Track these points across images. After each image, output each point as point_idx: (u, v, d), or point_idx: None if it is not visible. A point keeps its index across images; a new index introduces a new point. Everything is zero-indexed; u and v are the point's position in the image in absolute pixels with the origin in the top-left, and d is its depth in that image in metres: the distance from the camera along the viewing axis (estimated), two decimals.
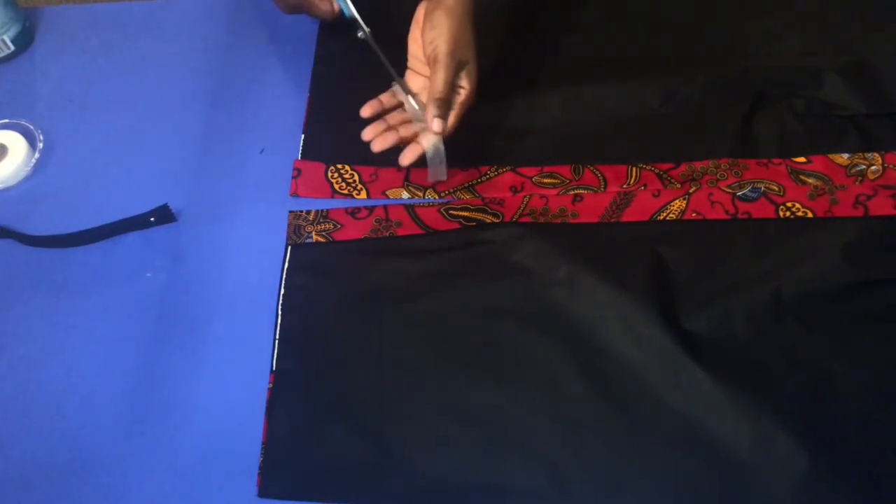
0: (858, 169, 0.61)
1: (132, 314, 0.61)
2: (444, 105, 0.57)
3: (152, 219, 0.63)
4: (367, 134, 0.60)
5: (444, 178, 0.61)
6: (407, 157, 0.59)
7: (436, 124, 0.57)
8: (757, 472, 0.50)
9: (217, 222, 0.65)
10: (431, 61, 0.57)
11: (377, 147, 0.60)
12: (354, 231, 0.63)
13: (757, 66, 0.67)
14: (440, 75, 0.56)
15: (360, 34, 0.59)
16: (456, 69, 0.57)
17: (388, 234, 0.63)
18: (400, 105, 0.63)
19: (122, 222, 0.63)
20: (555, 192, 0.63)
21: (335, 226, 0.63)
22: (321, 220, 0.64)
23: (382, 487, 0.52)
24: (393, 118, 0.61)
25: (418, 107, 0.60)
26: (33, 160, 0.71)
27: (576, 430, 0.53)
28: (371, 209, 0.64)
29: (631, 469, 0.51)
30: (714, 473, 0.50)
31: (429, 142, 0.59)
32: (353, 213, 0.64)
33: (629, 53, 0.71)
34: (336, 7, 0.60)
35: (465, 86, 0.58)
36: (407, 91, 0.60)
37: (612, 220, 0.61)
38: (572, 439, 0.52)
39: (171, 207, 0.63)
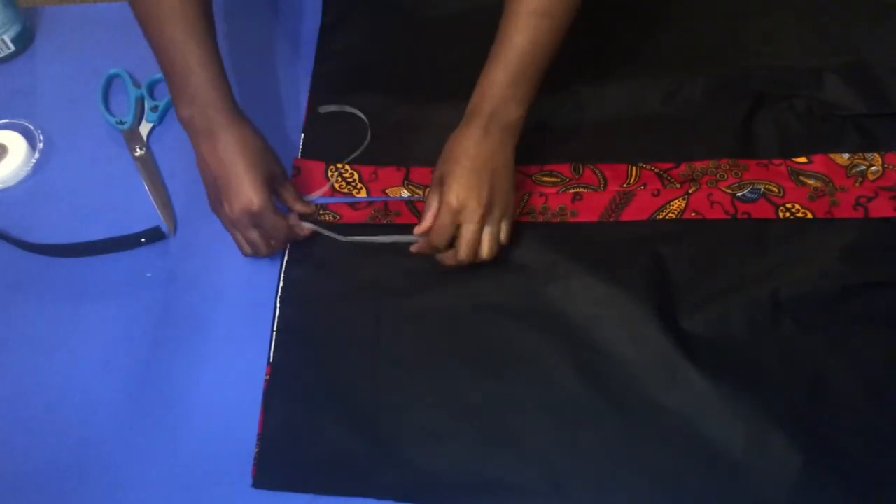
0: (858, 169, 0.61)
1: (132, 314, 0.61)
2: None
3: (143, 239, 0.64)
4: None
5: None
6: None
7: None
8: (752, 472, 0.50)
9: (217, 221, 0.65)
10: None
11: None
12: (354, 218, 0.63)
13: (757, 66, 0.67)
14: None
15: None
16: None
17: (385, 221, 0.63)
18: None
19: (113, 241, 0.63)
20: (554, 190, 0.63)
21: (335, 217, 0.63)
22: (321, 213, 0.64)
23: (377, 480, 0.52)
24: None
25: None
26: (33, 160, 0.71)
27: (571, 427, 0.53)
28: (370, 203, 0.64)
29: (625, 467, 0.51)
30: (709, 473, 0.50)
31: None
32: (352, 206, 0.64)
33: (630, 53, 0.71)
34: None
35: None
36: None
37: (612, 220, 0.61)
38: (567, 436, 0.52)
39: (161, 228, 0.64)
